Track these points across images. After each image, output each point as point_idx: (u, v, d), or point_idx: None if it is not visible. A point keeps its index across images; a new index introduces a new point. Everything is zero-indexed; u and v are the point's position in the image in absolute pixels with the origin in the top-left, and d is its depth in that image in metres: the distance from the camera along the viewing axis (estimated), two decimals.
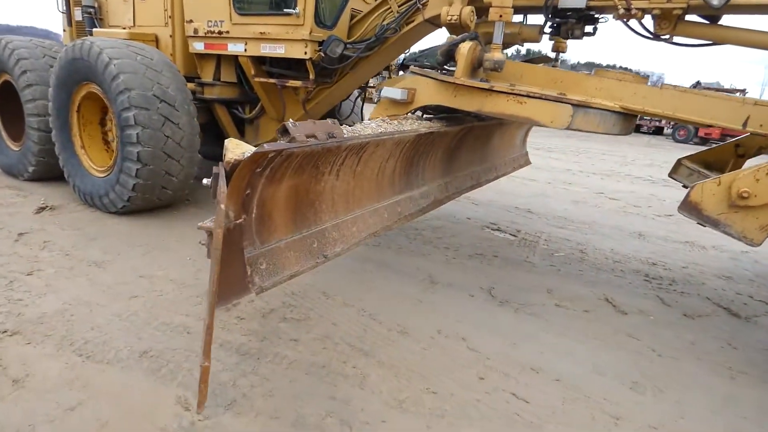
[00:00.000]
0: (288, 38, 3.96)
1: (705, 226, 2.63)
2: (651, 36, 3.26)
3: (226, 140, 1.81)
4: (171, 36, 4.82)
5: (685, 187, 3.83)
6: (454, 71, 3.14)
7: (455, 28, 3.35)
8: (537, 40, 3.64)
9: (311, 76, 4.07)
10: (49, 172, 5.08)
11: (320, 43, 3.96)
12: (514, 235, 4.74)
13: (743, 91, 24.01)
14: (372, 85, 5.34)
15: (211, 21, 4.36)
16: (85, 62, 4.00)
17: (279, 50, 4.06)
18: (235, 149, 1.75)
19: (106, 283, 2.92)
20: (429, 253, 3.97)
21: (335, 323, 2.68)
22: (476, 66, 2.97)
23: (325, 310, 2.81)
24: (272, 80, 4.32)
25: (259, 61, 4.39)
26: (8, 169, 5.29)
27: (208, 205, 4.87)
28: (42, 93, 4.73)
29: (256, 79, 4.40)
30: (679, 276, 4.01)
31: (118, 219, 4.17)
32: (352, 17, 4.28)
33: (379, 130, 2.53)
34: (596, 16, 3.36)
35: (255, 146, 1.84)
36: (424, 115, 3.36)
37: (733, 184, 2.44)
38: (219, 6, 4.25)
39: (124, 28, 5.15)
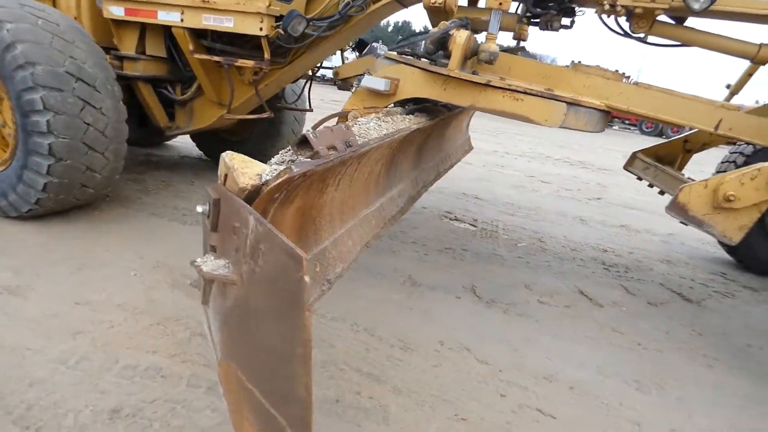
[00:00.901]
0: (239, 10, 3.41)
1: (687, 225, 2.71)
2: (624, 34, 3.27)
3: (224, 155, 1.43)
4: None
5: (639, 179, 4.01)
6: (436, 61, 2.91)
7: (438, 12, 3.09)
8: (513, 30, 3.50)
9: (266, 56, 3.57)
10: None
11: (277, 18, 3.48)
12: (474, 225, 4.69)
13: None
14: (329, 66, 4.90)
15: None
16: None
17: (226, 23, 3.49)
18: (247, 169, 1.37)
19: (32, 318, 2.31)
20: (399, 250, 3.76)
21: (332, 345, 2.39)
22: (468, 57, 2.76)
23: (318, 329, 2.49)
24: (216, 58, 3.74)
25: (199, 34, 3.77)
26: None
27: (134, 202, 4.18)
28: None
29: (195, 56, 3.78)
30: (629, 262, 4.23)
31: (22, 226, 3.39)
32: None
33: (383, 132, 2.23)
34: (576, 8, 3.29)
35: (280, 163, 1.48)
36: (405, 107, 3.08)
37: (720, 188, 2.52)
38: None
39: None
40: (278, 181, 1.30)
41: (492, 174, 7.63)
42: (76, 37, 3.32)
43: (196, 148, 6.14)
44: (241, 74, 4.14)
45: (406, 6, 3.79)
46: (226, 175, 1.39)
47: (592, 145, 13.62)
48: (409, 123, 2.62)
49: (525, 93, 2.62)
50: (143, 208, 4.04)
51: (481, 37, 2.83)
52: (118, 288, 2.68)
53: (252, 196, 1.29)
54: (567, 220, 5.45)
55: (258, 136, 5.53)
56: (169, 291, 2.72)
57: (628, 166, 4.11)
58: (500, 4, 2.62)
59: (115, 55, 4.06)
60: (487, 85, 2.62)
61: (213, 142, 5.70)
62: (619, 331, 2.95)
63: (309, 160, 1.47)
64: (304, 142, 1.56)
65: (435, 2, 3.02)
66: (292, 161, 1.48)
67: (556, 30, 3.41)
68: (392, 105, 3.02)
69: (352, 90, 2.92)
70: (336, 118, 3.10)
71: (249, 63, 3.67)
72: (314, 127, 3.05)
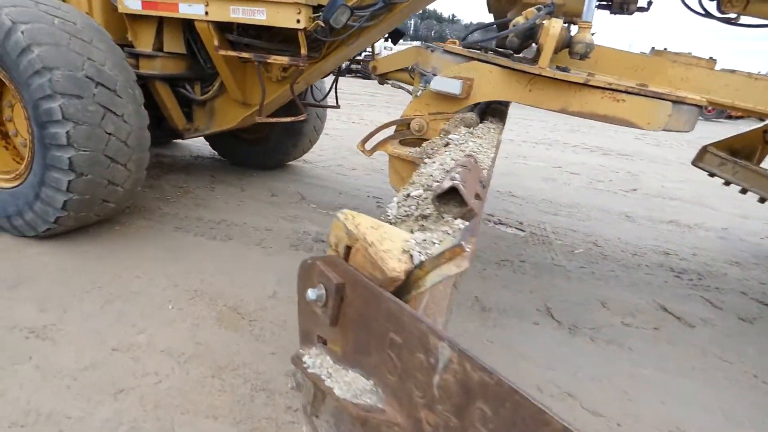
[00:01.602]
0: (273, 0, 3.01)
1: None
2: (706, 14, 2.90)
3: (343, 218, 1.05)
4: None
5: (711, 175, 3.65)
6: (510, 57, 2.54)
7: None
8: (579, 14, 3.11)
9: (303, 51, 3.18)
10: None
11: (315, 8, 3.08)
12: (521, 230, 4.35)
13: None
14: (363, 59, 4.50)
15: None
16: None
17: (258, 16, 3.09)
18: (389, 243, 1.00)
19: (66, 371, 1.98)
20: None
21: None
22: (556, 50, 2.38)
23: None
24: (246, 55, 3.34)
25: (224, 28, 3.37)
26: None
27: (154, 213, 3.83)
28: None
29: (220, 53, 3.39)
30: (698, 267, 3.90)
31: (40, 247, 3.05)
32: None
33: (490, 154, 1.88)
34: None
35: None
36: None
37: None
38: None
39: None
40: (445, 267, 0.95)
41: (517, 166, 7.28)
42: (94, 36, 2.93)
43: (209, 147, 5.77)
44: (268, 71, 3.75)
45: None
46: (348, 248, 1.03)
47: (602, 127, 13.17)
48: (495, 134, 2.26)
49: (627, 92, 2.25)
50: (165, 221, 3.70)
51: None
52: (157, 326, 2.35)
53: (404, 285, 0.95)
54: (612, 217, 5.11)
55: (278, 135, 5.15)
56: (215, 329, 2.39)
57: (697, 162, 3.75)
58: None
59: (130, 52, 3.66)
60: (584, 85, 2.25)
61: (229, 141, 5.32)
62: (726, 359, 2.63)
63: (467, 224, 1.11)
64: (449, 193, 1.19)
65: None
66: (442, 218, 1.13)
67: (631, 13, 3.03)
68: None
69: (416, 93, 2.55)
70: (392, 127, 2.75)
71: (283, 60, 3.28)
72: (365, 140, 2.71)
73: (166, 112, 3.97)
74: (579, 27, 2.33)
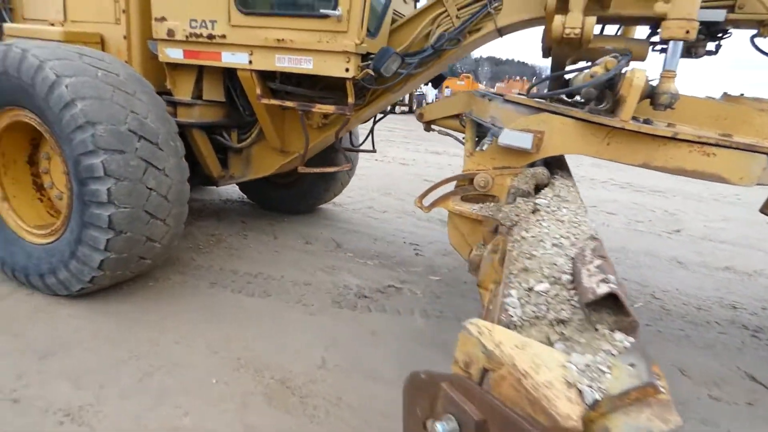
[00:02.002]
0: (321, 49, 2.90)
1: None
2: None
3: (479, 335, 0.86)
4: (125, 37, 3.52)
5: None
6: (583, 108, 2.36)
7: (571, 45, 2.55)
8: (643, 58, 2.95)
9: (350, 100, 3.06)
10: None
11: (364, 57, 2.97)
12: None
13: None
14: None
15: (196, 21, 3.16)
16: (11, 79, 2.65)
17: (305, 65, 2.99)
18: (546, 373, 0.79)
19: None
20: None
21: None
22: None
23: None
24: (290, 104, 3.23)
25: (266, 76, 3.27)
26: None
27: (188, 265, 3.66)
28: None
29: (263, 101, 3.28)
30: None
31: (72, 307, 2.88)
32: (392, 21, 3.32)
33: (582, 223, 1.67)
34: (726, 31, 2.74)
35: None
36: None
37: None
38: (211, 0, 3.07)
39: (53, 25, 3.72)
40: (643, 418, 0.73)
41: None
42: (137, 87, 2.84)
43: (238, 190, 5.65)
44: (309, 118, 3.64)
45: (502, 35, 3.27)
46: (485, 370, 0.82)
47: None
48: (576, 193, 2.06)
49: (719, 146, 2.04)
50: (200, 274, 3.52)
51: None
52: (202, 407, 2.12)
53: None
54: (662, 263, 4.82)
55: (310, 179, 5.01)
56: (265, 408, 2.15)
57: (766, 209, 3.48)
58: (687, 32, 2.05)
59: (168, 100, 3.57)
60: (672, 139, 2.05)
61: (259, 185, 5.17)
62: None
63: (632, 340, 0.89)
64: (604, 302, 0.98)
65: (570, 32, 2.48)
66: (594, 329, 0.91)
67: (699, 57, 2.87)
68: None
69: (482, 146, 2.37)
70: (450, 183, 2.58)
71: (329, 109, 3.15)
72: (422, 196, 2.51)
73: (201, 159, 3.86)
74: (662, 76, 2.16)
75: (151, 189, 2.73)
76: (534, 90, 2.91)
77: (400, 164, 9.52)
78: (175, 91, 3.56)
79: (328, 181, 5.04)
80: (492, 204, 2.42)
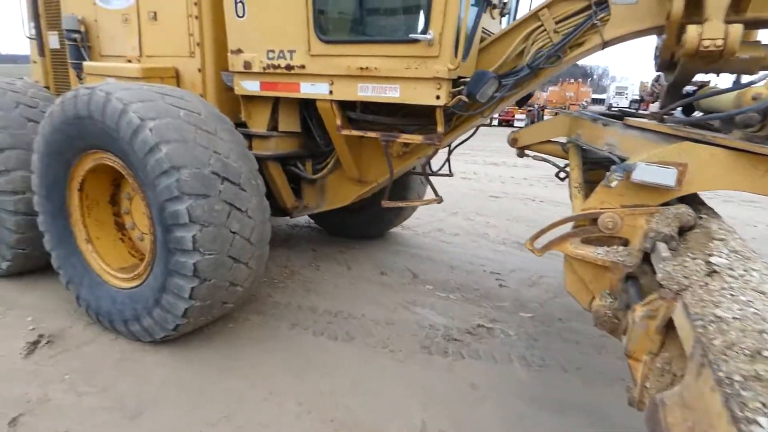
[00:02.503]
0: (409, 76, 2.67)
1: None
2: None
3: None
4: (200, 70, 3.45)
5: None
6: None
7: (709, 58, 2.18)
8: None
9: (439, 129, 2.80)
10: (31, 263, 3.62)
11: (454, 82, 2.71)
12: None
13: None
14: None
15: (273, 52, 3.02)
16: (96, 123, 2.59)
17: (390, 93, 2.77)
18: None
19: None
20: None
21: None
22: None
23: None
24: (372, 134, 3.02)
25: (346, 105, 3.08)
26: None
27: (265, 303, 3.52)
28: (19, 161, 3.26)
29: (343, 132, 3.09)
30: None
31: (156, 353, 2.78)
32: (480, 40, 3.05)
33: None
34: None
35: None
36: None
37: None
38: (289, 30, 2.92)
39: (129, 61, 3.72)
40: None
41: None
42: (217, 125, 2.72)
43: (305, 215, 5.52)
44: (389, 146, 3.42)
45: (605, 48, 2.91)
46: None
47: None
48: (745, 244, 1.69)
49: None
50: (279, 314, 3.36)
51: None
52: None
53: None
54: None
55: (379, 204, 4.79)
56: None
57: None
58: None
59: (243, 133, 3.46)
60: None
61: (327, 210, 5.02)
62: None
63: None
64: None
65: (710, 45, 2.11)
66: None
67: None
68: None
69: (608, 181, 2.03)
70: (569, 223, 2.24)
71: (416, 139, 2.91)
72: (535, 237, 2.17)
73: (275, 190, 3.72)
74: None
75: (234, 233, 2.59)
76: (658, 110, 2.53)
77: (461, 178, 9.17)
78: (251, 123, 3.45)
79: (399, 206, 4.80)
80: (621, 248, 2.08)
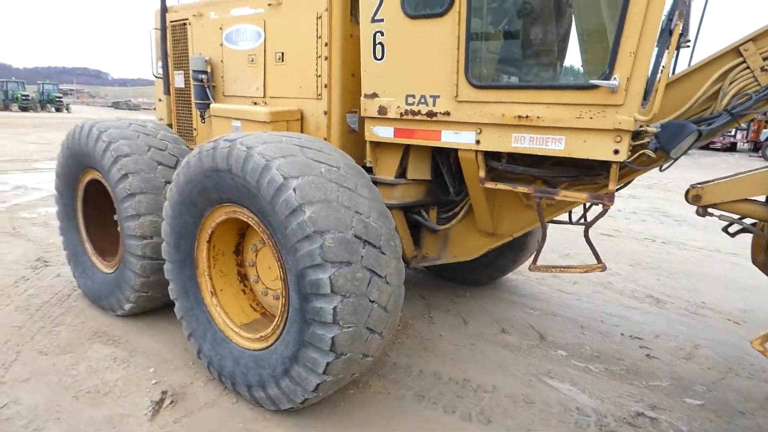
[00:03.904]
0: (580, 127, 2.28)
1: None
2: None
3: None
4: (326, 113, 3.27)
5: None
6: None
7: None
8: None
9: (611, 187, 2.37)
10: (152, 305, 3.61)
11: (635, 133, 2.28)
12: None
13: None
14: None
15: (414, 96, 2.76)
16: (235, 178, 2.44)
17: (553, 145, 2.38)
18: None
19: None
20: None
21: None
22: None
23: None
24: (524, 190, 2.65)
25: (491, 155, 2.74)
26: (96, 298, 3.81)
27: (384, 365, 3.22)
28: (149, 206, 3.25)
29: (487, 185, 2.74)
30: None
31: (280, 421, 2.55)
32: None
33: None
34: None
35: None
36: None
37: None
38: (434, 74, 2.64)
39: (255, 103, 3.66)
40: None
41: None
42: (357, 180, 2.48)
43: None
44: (527, 197, 3.03)
45: None
46: None
47: None
48: None
49: None
50: (400, 380, 3.04)
51: None
52: None
53: None
54: None
55: (498, 249, 4.35)
56: None
57: None
58: None
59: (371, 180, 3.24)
60: None
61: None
62: None
63: None
64: None
65: None
66: None
67: None
68: None
69: None
70: None
71: (580, 197, 2.50)
72: (766, 338, 1.74)
73: None
74: None
75: (373, 302, 2.31)
76: None
77: None
78: (377, 170, 3.21)
79: (518, 251, 4.36)
80: None
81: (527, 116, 2.39)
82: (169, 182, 3.34)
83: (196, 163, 2.63)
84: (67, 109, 42.66)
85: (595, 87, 2.16)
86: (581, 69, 2.42)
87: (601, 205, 2.43)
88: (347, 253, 2.21)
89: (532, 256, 4.43)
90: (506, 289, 4.69)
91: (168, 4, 4.32)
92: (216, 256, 2.96)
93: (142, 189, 3.24)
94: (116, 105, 62.51)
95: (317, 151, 2.50)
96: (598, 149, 2.26)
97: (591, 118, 2.23)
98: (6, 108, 38.09)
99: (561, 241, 6.40)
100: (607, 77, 2.13)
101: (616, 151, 2.22)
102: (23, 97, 38.99)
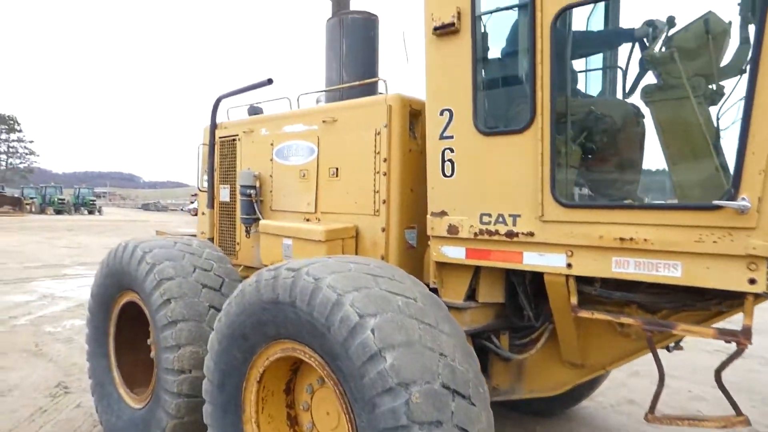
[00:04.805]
0: (701, 252, 1.97)
1: None
2: None
3: None
4: (384, 230, 3.05)
5: None
6: None
7: None
8: None
9: (747, 323, 1.98)
10: None
11: None
12: None
13: None
14: None
15: (490, 216, 2.52)
16: (298, 312, 2.13)
17: (667, 272, 2.05)
18: None
19: None
20: None
21: None
22: None
23: None
24: (630, 321, 2.28)
25: (582, 279, 2.41)
26: None
27: None
28: (191, 335, 2.93)
29: (580, 314, 2.38)
30: None
31: None
32: None
33: None
34: None
35: None
36: None
37: None
38: (513, 191, 2.42)
39: (308, 219, 3.48)
40: None
41: None
42: (436, 313, 2.15)
43: None
44: (622, 327, 2.64)
45: None
46: None
47: None
48: None
49: None
50: None
51: None
52: None
53: None
54: None
55: None
56: None
57: None
58: None
59: None
60: None
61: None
62: None
63: None
64: None
65: None
66: None
67: None
68: None
69: None
70: None
71: (707, 333, 2.10)
72: None
73: None
74: None
75: None
76: None
77: None
78: (443, 292, 2.88)
79: (594, 378, 3.82)
80: None
81: (631, 238, 2.10)
82: (214, 307, 3.06)
83: (253, 293, 2.35)
84: (99, 212, 44.55)
85: (718, 208, 1.88)
86: (700, 186, 2.18)
87: (734, 344, 2.03)
88: (436, 410, 1.81)
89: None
90: (578, 420, 4.07)
91: (218, 120, 4.39)
92: (265, 397, 2.56)
93: (185, 316, 2.94)
94: (145, 207, 65.33)
95: (390, 279, 2.21)
96: (728, 278, 1.92)
97: (715, 242, 1.92)
98: (42, 211, 39.93)
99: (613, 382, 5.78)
100: (733, 197, 1.86)
101: (753, 281, 1.87)
102: (59, 201, 41.02)
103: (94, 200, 45.73)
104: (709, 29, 2.35)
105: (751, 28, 2.33)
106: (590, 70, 3.35)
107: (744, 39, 2.43)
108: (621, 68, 3.19)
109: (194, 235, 4.65)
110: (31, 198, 41.47)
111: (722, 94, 2.47)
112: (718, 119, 2.43)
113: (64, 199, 41.87)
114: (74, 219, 34.22)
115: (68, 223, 28.36)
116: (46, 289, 9.00)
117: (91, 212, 43.00)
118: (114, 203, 77.07)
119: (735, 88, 2.40)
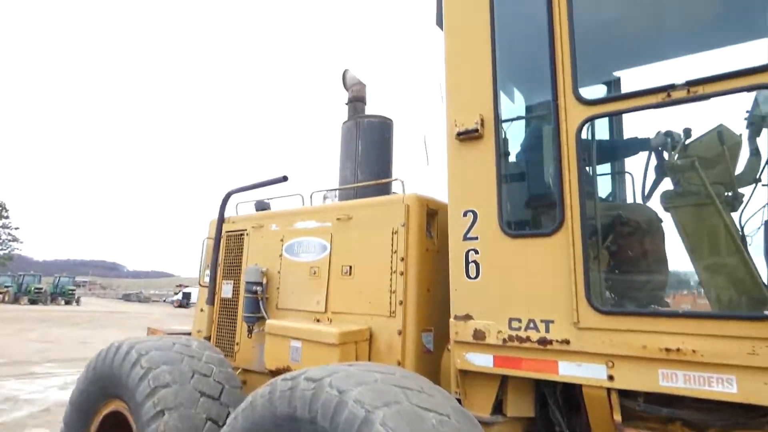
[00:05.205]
0: (756, 365, 1.84)
1: None
2: None
3: None
4: (400, 333, 2.88)
5: None
6: None
7: None
8: None
9: None
10: None
11: None
12: None
13: None
14: None
15: (519, 321, 2.39)
16: (318, 430, 1.90)
17: (721, 387, 1.91)
18: None
19: None
20: None
21: None
22: None
23: None
24: None
25: (624, 392, 2.23)
26: None
27: None
28: None
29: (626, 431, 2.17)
30: None
31: None
32: None
33: None
34: None
35: None
36: None
37: None
38: (544, 295, 2.32)
39: (318, 320, 3.30)
40: None
41: None
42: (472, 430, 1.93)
43: None
44: None
45: None
46: None
47: None
48: None
49: None
50: None
51: None
52: None
53: None
54: None
55: None
56: None
57: None
58: None
59: None
60: None
61: None
62: None
63: None
64: None
65: None
66: None
67: None
68: None
69: None
70: None
71: None
72: None
73: None
74: None
75: None
76: None
77: None
78: (467, 403, 2.65)
79: None
80: None
81: (678, 349, 1.97)
82: (211, 419, 2.76)
83: (266, 406, 2.11)
84: (77, 302, 42.89)
85: None
86: (748, 295, 2.11)
87: None
88: None
89: None
90: None
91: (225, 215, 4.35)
92: None
93: (179, 430, 2.63)
94: (126, 297, 63.28)
95: (420, 392, 2.02)
96: None
97: None
98: (16, 301, 38.31)
99: None
100: None
101: None
102: (36, 290, 39.54)
103: (74, 290, 44.21)
104: (723, 140, 2.45)
105: (760, 140, 2.43)
106: (600, 175, 3.44)
107: (754, 150, 2.53)
108: (630, 173, 3.30)
109: (189, 333, 4.38)
110: (6, 287, 39.95)
111: (741, 201, 2.52)
112: (741, 226, 2.44)
113: (41, 288, 40.42)
114: (49, 309, 32.76)
115: (42, 314, 27.09)
116: (10, 391, 8.25)
117: (68, 302, 41.36)
118: (93, 293, 74.58)
119: (752, 195, 2.45)
